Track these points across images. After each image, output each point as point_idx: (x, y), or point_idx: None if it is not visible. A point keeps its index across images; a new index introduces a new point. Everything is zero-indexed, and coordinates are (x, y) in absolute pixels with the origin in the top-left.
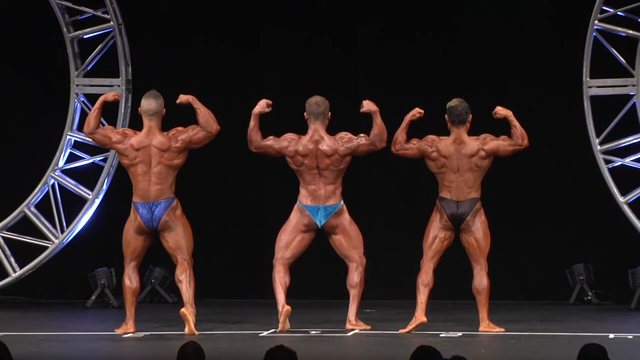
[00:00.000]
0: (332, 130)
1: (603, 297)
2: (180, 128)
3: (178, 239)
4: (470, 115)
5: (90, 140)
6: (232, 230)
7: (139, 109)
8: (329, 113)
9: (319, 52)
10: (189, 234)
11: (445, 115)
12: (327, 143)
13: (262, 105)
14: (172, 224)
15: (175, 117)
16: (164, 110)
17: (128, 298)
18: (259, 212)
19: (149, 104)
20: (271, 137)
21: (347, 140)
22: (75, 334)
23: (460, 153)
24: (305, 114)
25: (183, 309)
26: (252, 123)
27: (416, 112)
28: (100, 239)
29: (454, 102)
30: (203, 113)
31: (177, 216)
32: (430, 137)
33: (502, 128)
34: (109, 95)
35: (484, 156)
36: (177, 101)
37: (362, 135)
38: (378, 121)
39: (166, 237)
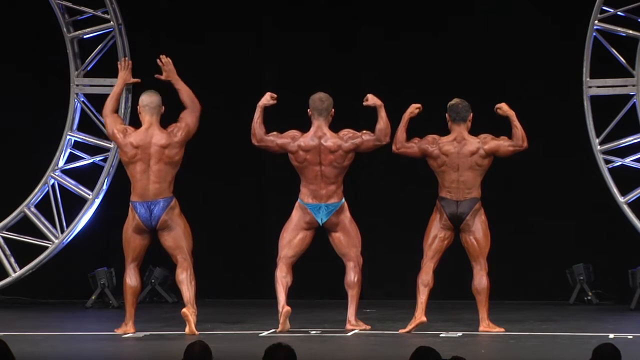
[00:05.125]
0: (333, 129)
1: (603, 297)
2: (173, 124)
3: (178, 239)
4: (471, 114)
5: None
6: (232, 230)
7: (138, 106)
8: (333, 110)
9: (319, 51)
10: (188, 234)
11: (446, 114)
12: (331, 139)
13: (266, 98)
14: (171, 224)
15: (174, 117)
16: (163, 107)
17: (128, 298)
18: (259, 212)
19: (149, 96)
20: (274, 132)
21: (351, 136)
22: (75, 334)
23: (461, 151)
24: (308, 110)
25: (184, 309)
26: (257, 115)
27: (414, 108)
28: (100, 239)
29: (454, 101)
30: (187, 92)
31: (176, 215)
32: (431, 136)
33: (500, 128)
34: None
35: (483, 155)
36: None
37: (365, 131)
38: (383, 115)
39: (165, 237)
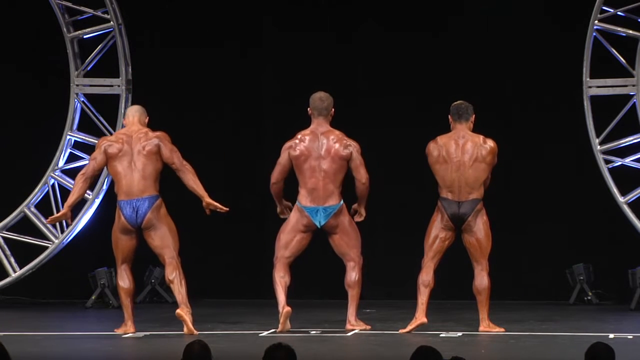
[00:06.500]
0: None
1: (603, 297)
2: (169, 144)
3: (164, 238)
4: (474, 116)
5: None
6: (232, 231)
7: (124, 120)
8: (333, 109)
9: (319, 51)
10: (174, 233)
11: (449, 115)
12: (332, 134)
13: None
14: (156, 223)
15: (172, 126)
16: (147, 118)
17: (123, 299)
18: (258, 212)
19: (132, 106)
20: (280, 171)
21: (355, 153)
22: (75, 334)
23: (464, 147)
24: (308, 109)
25: (178, 310)
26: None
27: None
28: (100, 239)
29: (457, 102)
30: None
31: (162, 215)
32: (430, 148)
33: (500, 129)
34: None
35: (488, 150)
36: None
37: (361, 169)
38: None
39: (152, 236)
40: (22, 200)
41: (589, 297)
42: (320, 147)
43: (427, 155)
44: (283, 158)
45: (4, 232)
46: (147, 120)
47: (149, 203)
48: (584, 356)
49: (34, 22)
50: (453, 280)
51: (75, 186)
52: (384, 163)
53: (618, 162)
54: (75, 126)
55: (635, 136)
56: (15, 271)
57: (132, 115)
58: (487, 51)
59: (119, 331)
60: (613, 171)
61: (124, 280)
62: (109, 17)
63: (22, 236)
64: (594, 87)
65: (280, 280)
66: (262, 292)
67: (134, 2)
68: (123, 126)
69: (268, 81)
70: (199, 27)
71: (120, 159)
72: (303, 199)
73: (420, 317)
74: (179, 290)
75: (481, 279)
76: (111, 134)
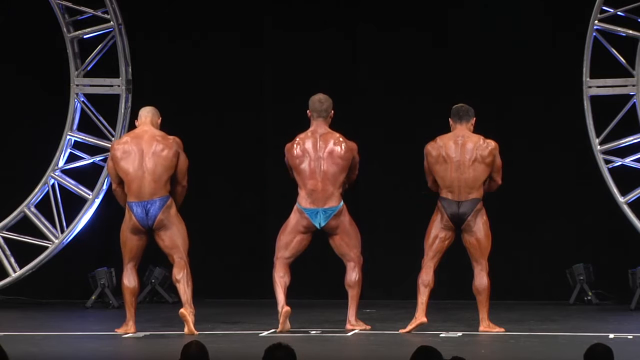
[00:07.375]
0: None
1: (603, 297)
2: (185, 156)
3: (174, 238)
4: (474, 119)
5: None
6: (232, 231)
7: (136, 121)
8: (332, 111)
9: (319, 51)
10: (184, 233)
11: (449, 119)
12: (331, 135)
13: None
14: (167, 223)
15: (172, 126)
16: (160, 119)
17: (127, 299)
18: (259, 212)
19: (145, 107)
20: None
21: (356, 159)
22: (75, 334)
23: (464, 147)
24: (308, 111)
25: (182, 310)
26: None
27: None
28: (100, 239)
29: (458, 104)
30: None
31: (172, 215)
32: (429, 149)
33: (500, 130)
34: None
35: (488, 151)
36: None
37: (356, 172)
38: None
39: (162, 236)
40: (22, 200)
41: (589, 297)
42: (319, 149)
43: (426, 156)
44: (286, 159)
45: (4, 232)
46: (159, 121)
47: (160, 204)
48: (583, 357)
49: (34, 22)
50: (453, 280)
51: (120, 198)
52: (384, 163)
53: (618, 162)
54: (75, 126)
55: (635, 136)
56: (15, 271)
57: (145, 116)
58: (487, 51)
59: (119, 331)
60: (613, 171)
61: (129, 280)
62: (109, 17)
63: (22, 236)
64: (594, 87)
65: (280, 280)
66: (263, 292)
67: (134, 2)
68: (135, 126)
69: (268, 81)
70: (200, 28)
71: (128, 160)
72: (303, 200)
73: (420, 317)
74: (185, 290)
75: (481, 279)
76: (111, 134)
